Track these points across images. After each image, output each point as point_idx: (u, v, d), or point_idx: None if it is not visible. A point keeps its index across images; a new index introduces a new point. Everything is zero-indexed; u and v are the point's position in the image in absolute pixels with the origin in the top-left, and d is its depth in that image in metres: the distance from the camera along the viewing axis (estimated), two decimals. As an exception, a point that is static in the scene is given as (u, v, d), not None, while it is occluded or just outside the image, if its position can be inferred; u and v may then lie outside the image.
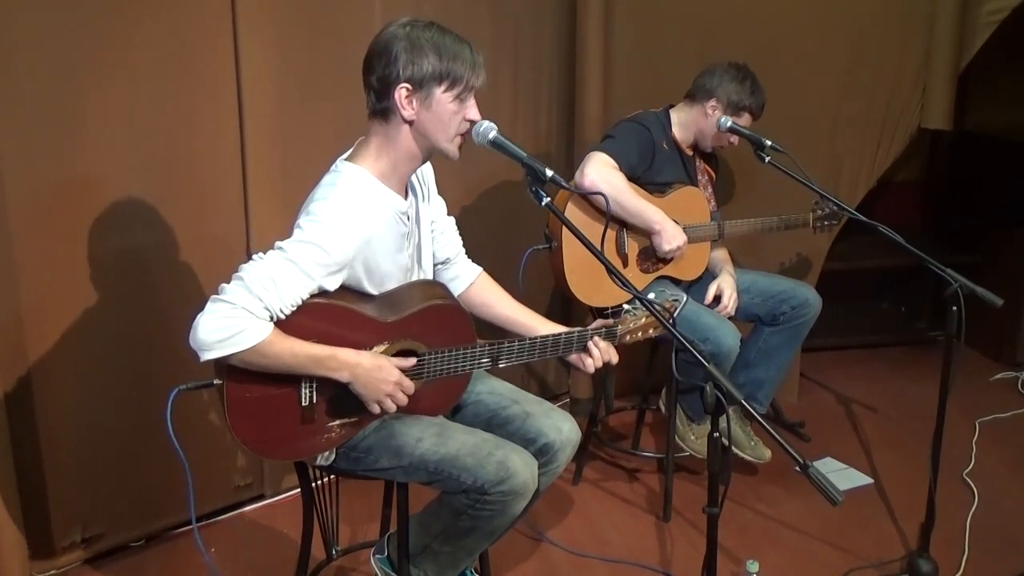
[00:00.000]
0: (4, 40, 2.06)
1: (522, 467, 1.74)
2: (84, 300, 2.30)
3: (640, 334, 1.96)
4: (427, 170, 1.97)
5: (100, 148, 2.24)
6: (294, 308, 1.63)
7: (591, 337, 1.90)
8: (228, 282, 1.60)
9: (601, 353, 1.89)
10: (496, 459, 1.73)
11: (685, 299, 2.00)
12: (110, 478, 2.42)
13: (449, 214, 2.06)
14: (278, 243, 1.64)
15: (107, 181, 2.27)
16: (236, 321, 1.55)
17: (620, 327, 1.92)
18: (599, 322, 1.93)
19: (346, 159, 1.78)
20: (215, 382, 1.66)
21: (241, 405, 1.66)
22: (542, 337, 1.88)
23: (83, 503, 2.39)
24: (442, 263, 2.04)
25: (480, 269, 2.10)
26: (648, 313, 1.92)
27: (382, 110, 1.72)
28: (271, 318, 1.60)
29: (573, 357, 1.93)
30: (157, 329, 2.37)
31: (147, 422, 2.39)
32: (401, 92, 1.68)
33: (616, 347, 1.93)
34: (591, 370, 1.91)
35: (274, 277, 1.58)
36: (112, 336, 2.35)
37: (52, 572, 2.38)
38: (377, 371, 1.70)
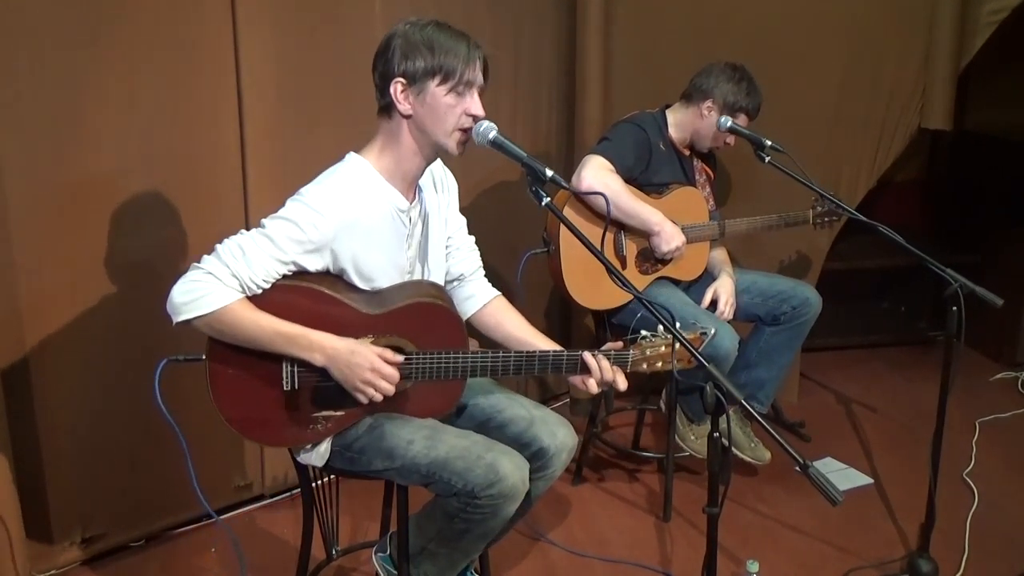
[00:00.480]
0: (4, 41, 2.06)
1: (512, 470, 1.72)
2: (84, 301, 2.30)
3: (660, 363, 1.81)
4: (451, 184, 2.00)
5: (100, 148, 2.24)
6: (267, 282, 1.66)
7: (589, 364, 1.80)
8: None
9: (603, 371, 1.79)
10: (485, 462, 1.71)
11: (713, 332, 1.88)
12: (110, 478, 2.42)
13: None
14: (262, 220, 1.70)
15: (107, 181, 2.27)
16: (202, 285, 1.61)
17: (634, 353, 1.81)
18: (609, 344, 1.86)
19: (355, 151, 1.82)
20: (203, 357, 1.69)
21: (222, 379, 1.69)
22: (541, 352, 1.82)
23: (83, 503, 2.39)
24: (456, 279, 2.03)
25: (498, 292, 2.06)
26: (667, 342, 1.81)
27: (385, 106, 1.77)
28: (240, 287, 1.64)
29: (576, 378, 1.85)
30: (157, 330, 2.35)
31: (147, 422, 2.38)
32: (396, 87, 1.72)
33: (626, 373, 1.82)
34: (594, 389, 1.81)
35: (243, 246, 1.64)
36: (112, 337, 2.35)
37: (52, 572, 2.38)
38: (351, 355, 1.67)
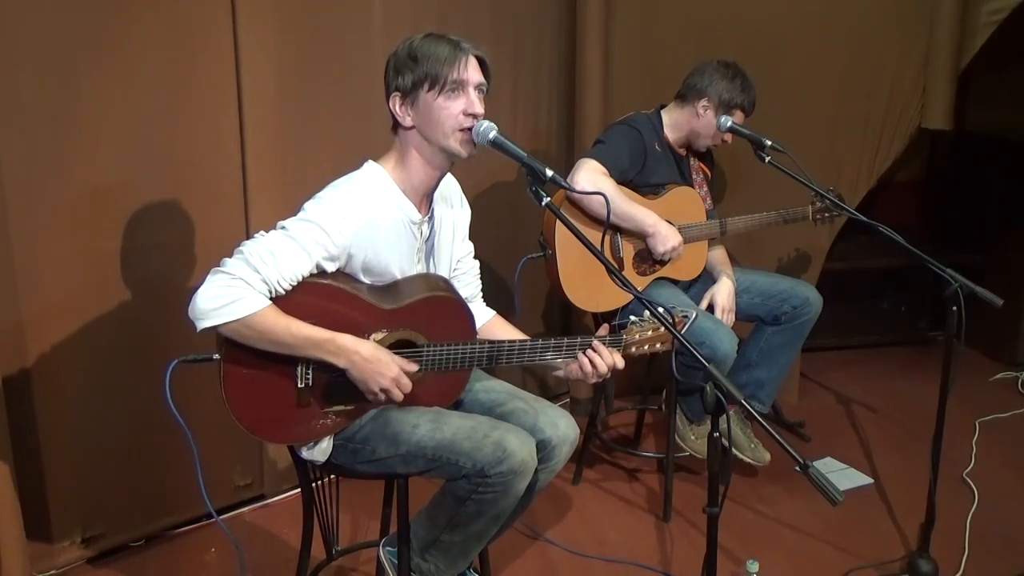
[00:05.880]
0: (4, 43, 2.06)
1: (519, 446, 1.75)
2: (84, 302, 2.30)
3: (647, 347, 1.92)
4: (466, 208, 2.05)
5: (100, 149, 2.24)
6: (292, 284, 1.67)
7: (593, 343, 1.87)
8: (230, 257, 1.66)
9: (603, 359, 1.85)
10: (492, 440, 1.74)
11: (695, 315, 1.96)
12: (110, 478, 2.42)
13: None
14: (280, 222, 1.70)
15: (107, 182, 2.27)
16: (232, 290, 1.60)
17: (626, 337, 1.90)
18: (604, 329, 1.92)
19: (372, 159, 1.85)
20: (214, 356, 1.69)
21: (237, 380, 1.69)
22: (543, 339, 1.88)
23: (83, 503, 2.39)
24: None
25: (494, 312, 2.12)
26: (655, 326, 1.89)
27: (394, 122, 1.83)
28: (269, 292, 1.65)
29: (574, 367, 1.89)
30: (157, 331, 2.37)
31: (147, 423, 2.39)
32: (395, 102, 1.79)
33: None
34: (590, 377, 1.87)
35: (273, 251, 1.64)
36: (112, 338, 2.35)
37: (52, 572, 2.38)
38: (376, 363, 1.71)
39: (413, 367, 1.76)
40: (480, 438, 1.75)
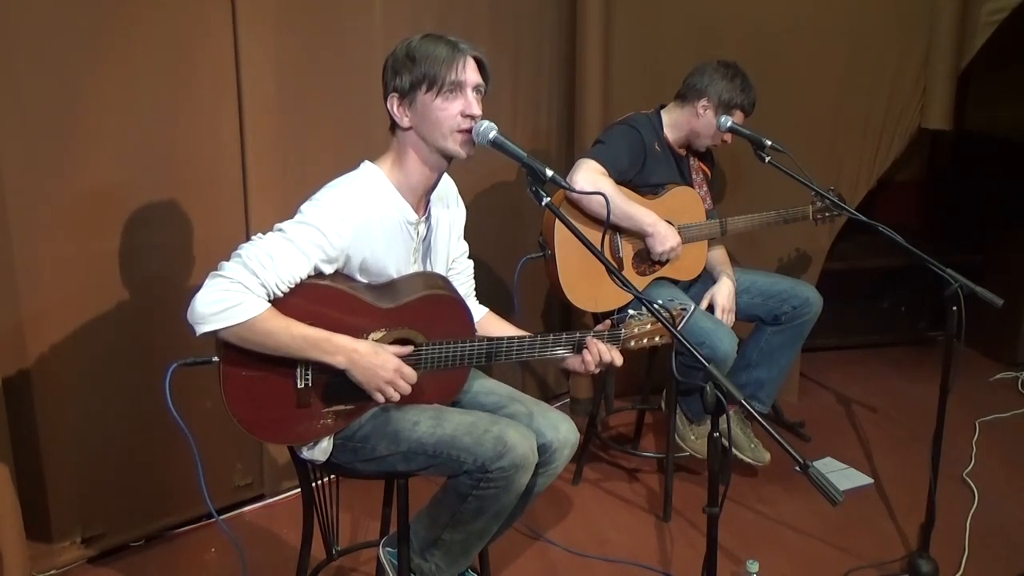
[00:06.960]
0: (4, 43, 2.06)
1: (519, 440, 1.75)
2: (84, 302, 2.30)
3: (645, 340, 1.93)
4: (462, 208, 2.05)
5: (100, 149, 2.24)
6: (291, 287, 1.67)
7: (588, 341, 1.89)
8: (227, 260, 1.65)
9: (601, 353, 1.87)
10: (493, 435, 1.75)
11: (693, 308, 1.97)
12: (110, 478, 2.42)
13: None
14: (277, 225, 1.70)
15: (107, 182, 2.27)
16: (232, 295, 1.59)
17: (624, 331, 1.91)
18: (603, 325, 1.93)
19: (369, 160, 1.85)
20: (213, 359, 1.69)
21: (237, 382, 1.69)
22: (542, 335, 1.89)
23: (83, 503, 2.39)
24: None
25: (487, 309, 2.13)
26: (653, 320, 1.90)
27: (392, 122, 1.82)
28: (268, 295, 1.65)
29: (574, 361, 1.92)
30: (157, 331, 2.37)
31: (147, 423, 2.39)
32: (393, 103, 1.79)
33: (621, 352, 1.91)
34: (592, 368, 1.89)
35: (271, 254, 1.64)
36: (112, 338, 2.35)
37: (52, 572, 2.38)
38: (374, 357, 1.71)
39: (407, 349, 1.77)
40: (480, 433, 1.76)
